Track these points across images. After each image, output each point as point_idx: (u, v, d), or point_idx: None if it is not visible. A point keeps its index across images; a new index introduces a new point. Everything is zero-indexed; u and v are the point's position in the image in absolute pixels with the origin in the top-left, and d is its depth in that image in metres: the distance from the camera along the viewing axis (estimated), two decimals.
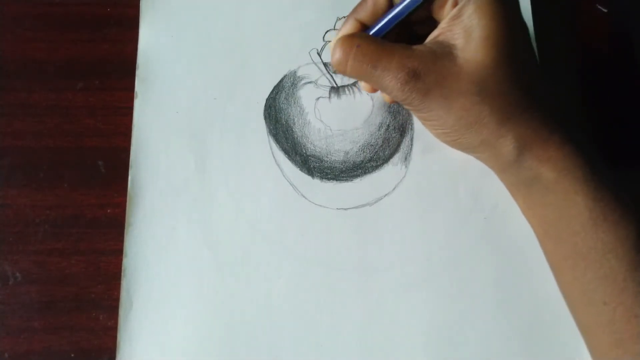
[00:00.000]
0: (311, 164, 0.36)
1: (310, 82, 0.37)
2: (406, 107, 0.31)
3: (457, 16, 0.29)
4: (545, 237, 0.31)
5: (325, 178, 0.36)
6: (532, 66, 0.30)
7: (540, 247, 0.32)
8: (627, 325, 0.28)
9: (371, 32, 0.31)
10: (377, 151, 0.36)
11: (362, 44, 0.29)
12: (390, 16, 0.30)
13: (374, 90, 0.35)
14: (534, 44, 0.37)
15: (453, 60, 0.28)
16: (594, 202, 0.29)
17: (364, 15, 0.31)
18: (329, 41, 0.38)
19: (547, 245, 0.32)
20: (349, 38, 0.30)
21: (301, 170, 0.36)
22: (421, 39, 0.31)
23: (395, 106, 0.37)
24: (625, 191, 0.29)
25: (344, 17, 0.32)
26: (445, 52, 0.29)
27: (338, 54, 0.30)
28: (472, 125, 0.29)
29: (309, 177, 0.36)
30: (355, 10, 0.32)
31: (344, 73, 0.31)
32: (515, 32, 0.29)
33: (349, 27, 0.31)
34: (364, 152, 0.36)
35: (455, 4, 0.29)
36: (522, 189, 0.31)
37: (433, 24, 0.31)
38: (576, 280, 0.29)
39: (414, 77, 0.28)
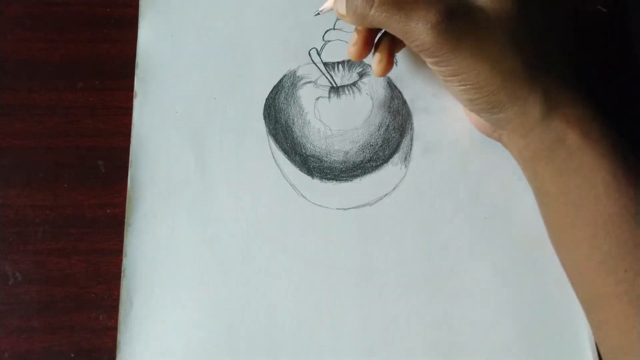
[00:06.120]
0: (311, 164, 0.36)
1: (309, 82, 0.37)
2: (433, 59, 0.28)
3: None
4: (565, 206, 0.30)
5: (325, 178, 0.36)
6: (558, 25, 0.30)
7: (553, 222, 0.31)
8: None
9: None
10: (376, 151, 0.36)
11: None
12: None
13: (388, 65, 0.31)
14: None
15: (482, 11, 0.27)
16: (620, 168, 0.28)
17: None
18: (329, 41, 0.38)
19: (566, 215, 0.30)
20: None
21: (301, 170, 0.36)
22: None
23: (395, 106, 0.37)
24: None
25: None
26: (473, 3, 0.28)
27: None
28: (505, 78, 0.28)
29: (309, 177, 0.36)
30: None
31: (363, 19, 0.28)
32: None
33: None
34: (363, 152, 0.36)
35: None
36: (545, 154, 0.29)
37: None
38: (596, 249, 0.28)
39: (445, 18, 0.26)
